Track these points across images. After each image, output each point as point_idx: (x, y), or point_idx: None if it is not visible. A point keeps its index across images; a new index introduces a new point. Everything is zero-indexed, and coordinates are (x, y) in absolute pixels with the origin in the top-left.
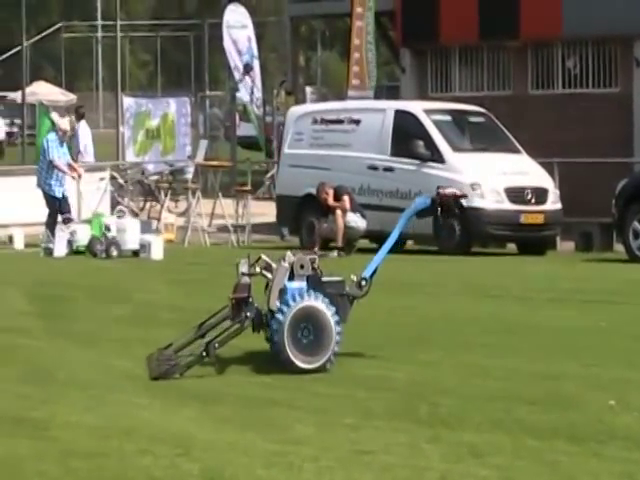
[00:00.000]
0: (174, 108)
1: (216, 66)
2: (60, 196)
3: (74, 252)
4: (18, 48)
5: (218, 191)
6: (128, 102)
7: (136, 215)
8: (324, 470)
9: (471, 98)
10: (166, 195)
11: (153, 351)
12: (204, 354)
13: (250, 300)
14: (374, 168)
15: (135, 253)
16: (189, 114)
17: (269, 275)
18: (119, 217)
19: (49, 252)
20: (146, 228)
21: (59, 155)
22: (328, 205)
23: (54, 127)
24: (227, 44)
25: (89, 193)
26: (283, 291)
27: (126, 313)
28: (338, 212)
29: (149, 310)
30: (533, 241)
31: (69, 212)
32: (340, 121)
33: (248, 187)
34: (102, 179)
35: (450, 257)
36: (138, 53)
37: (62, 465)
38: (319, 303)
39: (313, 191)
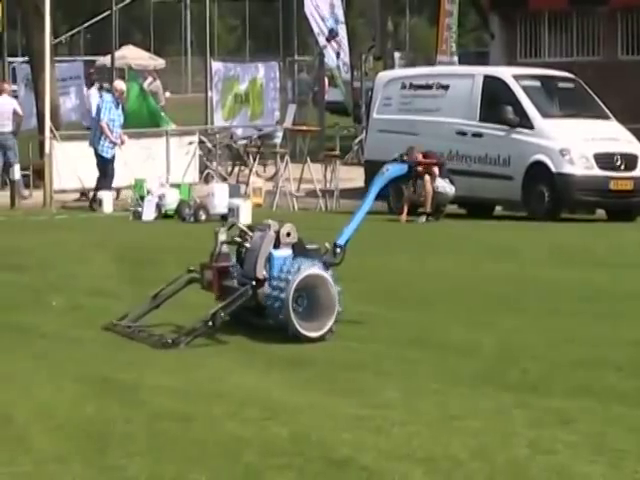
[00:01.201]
0: (263, 73)
1: (304, 31)
2: (110, 157)
3: (163, 216)
4: (107, 13)
5: (306, 156)
6: (217, 67)
7: (224, 179)
8: (412, 435)
9: (560, 64)
10: (254, 159)
11: (107, 322)
12: (210, 323)
13: (231, 269)
14: (463, 133)
15: (223, 217)
16: (278, 79)
17: (247, 244)
18: (207, 181)
19: (138, 216)
20: (234, 192)
21: (110, 117)
22: (417, 171)
23: (143, 91)
24: (309, 9)
25: (178, 157)
26: (269, 259)
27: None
28: (427, 177)
29: None
30: (622, 207)
31: (112, 176)
32: (429, 86)
33: (336, 152)
34: (191, 143)
35: (539, 223)
36: (227, 18)
37: (150, 428)
38: (321, 271)
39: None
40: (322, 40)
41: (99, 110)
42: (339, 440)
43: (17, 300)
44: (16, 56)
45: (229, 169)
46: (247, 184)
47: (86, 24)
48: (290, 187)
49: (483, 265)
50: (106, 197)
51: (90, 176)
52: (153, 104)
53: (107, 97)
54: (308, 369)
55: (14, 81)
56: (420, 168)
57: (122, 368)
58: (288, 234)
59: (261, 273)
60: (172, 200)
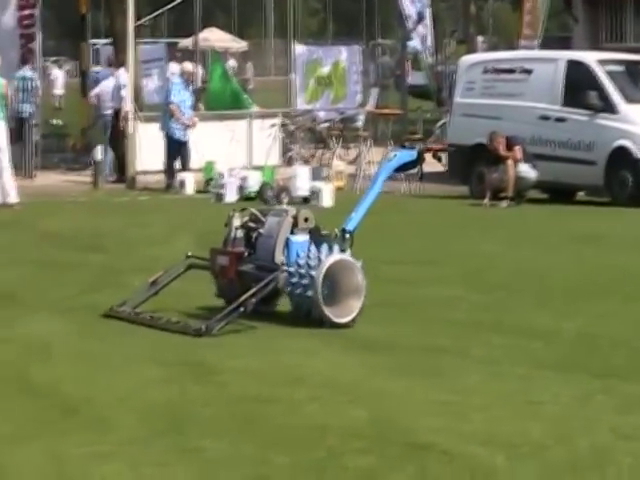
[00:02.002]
0: (345, 56)
1: (387, 14)
2: (183, 139)
3: (245, 198)
4: None
5: (389, 139)
6: (299, 50)
7: (307, 162)
8: (493, 420)
9: None
10: (337, 142)
11: (106, 309)
12: (242, 309)
13: (245, 255)
14: (546, 118)
15: (305, 200)
16: (360, 62)
17: (261, 229)
18: (290, 164)
19: (220, 198)
20: (316, 175)
21: (180, 99)
22: (499, 155)
23: (226, 73)
24: None
25: (260, 140)
26: (287, 245)
27: None
28: (509, 162)
29: None
30: None
31: (188, 158)
32: (512, 70)
33: (419, 135)
34: (273, 126)
35: (622, 209)
36: (309, 1)
37: (230, 410)
38: (348, 257)
39: (484, 140)
40: (411, 23)
41: (168, 92)
42: (420, 424)
43: (99, 281)
44: (99, 38)
45: (311, 152)
46: (329, 167)
47: (169, 6)
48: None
49: (566, 250)
50: (188, 178)
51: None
52: (236, 86)
53: (176, 79)
54: (389, 353)
55: (97, 63)
56: (430, 153)
57: (202, 350)
58: (306, 219)
59: (280, 258)
60: (254, 182)
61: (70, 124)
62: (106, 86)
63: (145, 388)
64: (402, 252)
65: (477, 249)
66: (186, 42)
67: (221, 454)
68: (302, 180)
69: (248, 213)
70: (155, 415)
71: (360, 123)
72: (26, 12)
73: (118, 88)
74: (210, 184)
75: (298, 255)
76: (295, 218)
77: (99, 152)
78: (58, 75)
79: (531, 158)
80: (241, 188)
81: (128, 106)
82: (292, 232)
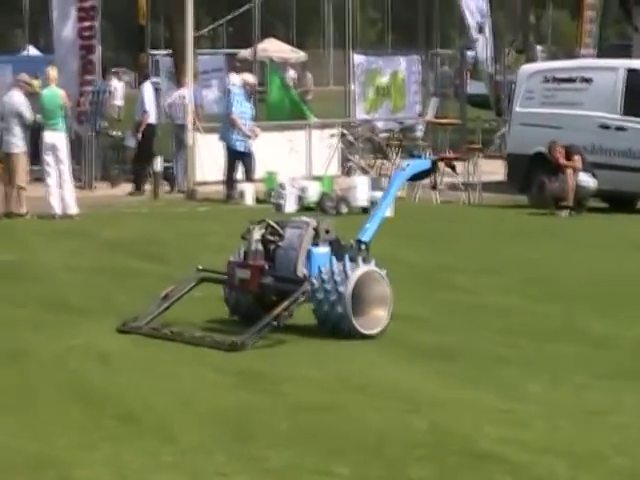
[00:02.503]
0: (404, 66)
1: (446, 24)
2: (243, 150)
3: (304, 208)
4: (249, 5)
5: (448, 149)
6: (358, 59)
7: (366, 172)
8: (554, 428)
9: None
10: (396, 152)
11: (119, 323)
12: (275, 323)
13: (266, 268)
14: (606, 127)
15: (365, 210)
16: (419, 72)
17: (280, 242)
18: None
19: (279, 208)
20: (376, 185)
21: (241, 110)
22: (559, 164)
23: (285, 83)
24: (464, 2)
25: (319, 150)
26: (309, 257)
27: None
28: (569, 171)
29: (380, 266)
30: None
31: (252, 168)
32: (572, 79)
33: (478, 145)
34: (332, 136)
35: None
36: (367, 11)
37: (291, 419)
38: (375, 268)
39: (544, 150)
40: (474, 33)
41: (229, 103)
42: (480, 433)
43: (157, 290)
44: (159, 49)
45: (371, 162)
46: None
47: (228, 17)
48: (432, 180)
49: (626, 259)
50: (248, 189)
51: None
52: (295, 96)
53: (237, 90)
54: (451, 362)
55: (157, 74)
56: (443, 163)
57: (263, 359)
58: (327, 231)
59: (302, 271)
60: (314, 192)
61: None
62: (178, 97)
63: (206, 397)
64: (463, 261)
65: (538, 258)
66: (245, 53)
67: (282, 464)
68: (361, 190)
69: (265, 225)
70: (216, 425)
71: (419, 133)
72: (86, 24)
73: (142, 102)
74: (271, 194)
75: (320, 269)
76: (316, 230)
77: (158, 163)
78: (117, 86)
79: (590, 167)
80: (300, 198)
81: (189, 117)
82: (313, 244)
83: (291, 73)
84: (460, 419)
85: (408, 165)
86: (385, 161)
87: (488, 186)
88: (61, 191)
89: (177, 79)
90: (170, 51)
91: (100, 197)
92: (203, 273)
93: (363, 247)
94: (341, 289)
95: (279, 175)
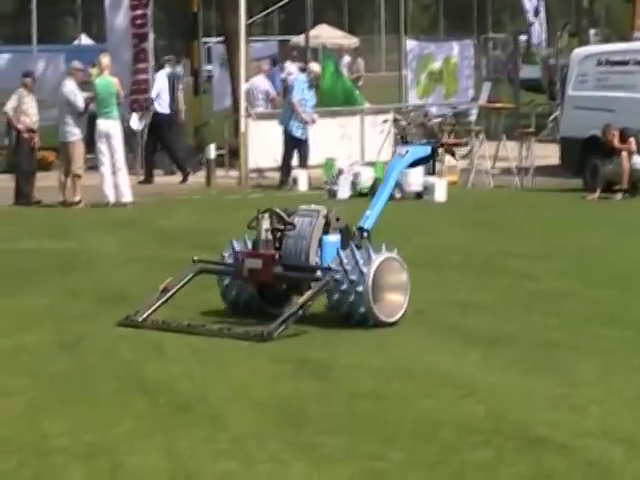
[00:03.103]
0: (457, 51)
1: (498, 8)
2: (300, 137)
3: (357, 194)
4: None
5: (501, 133)
6: (411, 45)
7: None
8: (610, 413)
9: None
10: (449, 137)
11: (121, 318)
12: (300, 313)
13: (277, 257)
14: None
15: (418, 195)
16: (472, 57)
17: (289, 231)
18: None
19: (333, 194)
20: (429, 170)
21: (303, 97)
22: (614, 147)
23: (337, 70)
24: None
25: (372, 136)
26: (320, 245)
27: (410, 255)
28: (624, 154)
29: (434, 252)
30: None
31: (307, 155)
32: (625, 62)
33: (531, 129)
34: (385, 122)
35: None
36: None
37: (346, 406)
38: (395, 254)
39: (598, 133)
40: (530, 17)
41: (292, 88)
42: (536, 418)
43: (210, 279)
44: (211, 36)
45: None
46: (442, 162)
47: (280, 4)
48: (485, 165)
49: None
50: (301, 175)
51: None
52: (348, 83)
53: (302, 77)
54: (505, 347)
55: (209, 61)
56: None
57: (317, 347)
58: (338, 219)
59: (314, 260)
60: (367, 178)
61: (183, 123)
62: (258, 83)
63: (261, 385)
64: (519, 246)
65: (592, 242)
66: (297, 39)
67: (336, 450)
68: (415, 175)
69: (272, 214)
70: (270, 411)
71: (472, 118)
72: (139, 12)
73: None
74: (326, 181)
75: (340, 257)
76: (327, 218)
77: (212, 150)
78: None
79: None
80: (354, 184)
81: (241, 104)
82: (324, 232)
83: (346, 59)
84: (515, 404)
85: (407, 151)
86: None
87: (541, 170)
88: (115, 179)
89: (230, 67)
90: (222, 38)
91: (153, 185)
92: (201, 264)
93: (365, 235)
94: (364, 269)
95: (337, 161)
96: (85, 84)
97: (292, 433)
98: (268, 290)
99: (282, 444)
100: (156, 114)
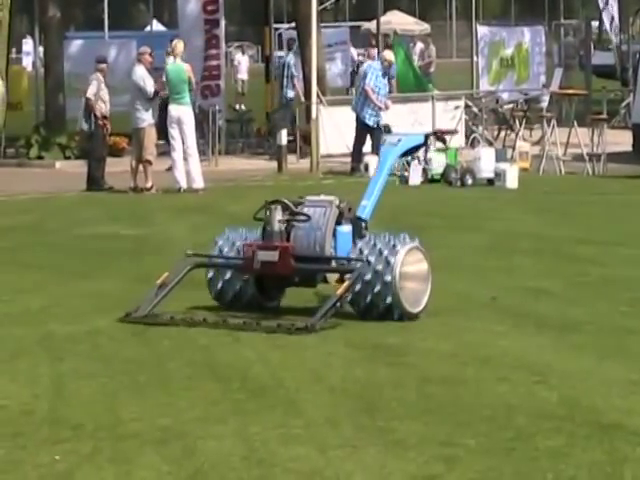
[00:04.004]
0: (528, 37)
1: None
2: (372, 125)
3: (429, 180)
4: None
5: (573, 119)
6: (482, 31)
7: (491, 144)
8: None
9: None
10: (521, 124)
11: (123, 314)
12: (338, 305)
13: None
14: None
15: (490, 181)
16: (543, 43)
17: (299, 222)
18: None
19: (404, 180)
20: (501, 156)
21: (376, 84)
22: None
23: (407, 56)
24: None
25: (443, 122)
26: (335, 236)
27: (482, 241)
28: None
29: (506, 238)
30: None
31: (380, 142)
32: None
33: (603, 116)
34: (457, 108)
35: None
36: None
37: (419, 391)
38: (419, 245)
39: None
40: (601, 3)
41: (365, 75)
42: (610, 405)
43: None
44: (282, 22)
45: (495, 133)
46: (513, 148)
47: None
48: (557, 151)
49: None
50: (372, 161)
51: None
52: (417, 69)
53: (375, 64)
54: (577, 333)
55: (280, 47)
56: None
57: (391, 332)
58: (350, 209)
59: (329, 251)
60: (438, 164)
61: (254, 109)
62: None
63: (335, 371)
64: (589, 232)
65: None
66: (368, 26)
67: (410, 435)
68: (486, 162)
69: (280, 204)
70: (344, 397)
71: (544, 104)
72: None
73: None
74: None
75: (361, 248)
76: (339, 208)
77: (283, 137)
78: (241, 60)
79: None
80: (425, 171)
81: (313, 90)
82: (337, 223)
83: (419, 45)
84: (590, 390)
85: (399, 140)
86: (510, 132)
87: (613, 157)
88: (186, 165)
89: (301, 53)
90: (293, 24)
91: (224, 171)
92: (195, 258)
93: (363, 224)
94: (391, 260)
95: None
96: (156, 70)
97: (365, 418)
98: (269, 284)
99: (355, 430)
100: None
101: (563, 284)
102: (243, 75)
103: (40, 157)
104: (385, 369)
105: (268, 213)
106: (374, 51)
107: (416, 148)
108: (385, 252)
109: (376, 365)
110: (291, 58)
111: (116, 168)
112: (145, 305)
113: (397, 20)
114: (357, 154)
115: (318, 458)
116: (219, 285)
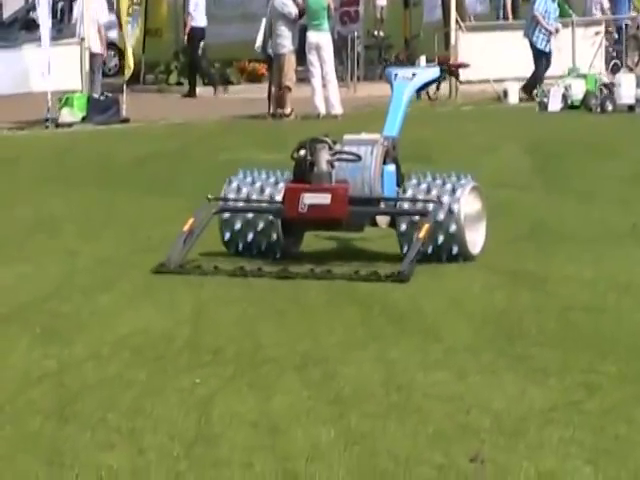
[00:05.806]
0: None
1: None
2: (544, 49)
3: (569, 107)
4: None
5: None
6: None
7: (631, 70)
8: None
9: None
10: None
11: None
12: (422, 249)
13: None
14: None
15: (630, 108)
16: None
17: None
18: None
19: (544, 107)
20: None
21: (545, 8)
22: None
23: None
24: None
25: (583, 48)
26: (383, 176)
27: (623, 169)
28: None
29: None
30: None
31: (548, 67)
32: None
33: None
34: (597, 33)
35: None
36: None
37: (561, 319)
38: (475, 182)
39: None
40: None
41: (534, 1)
42: None
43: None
44: None
45: (635, 59)
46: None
47: None
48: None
49: None
50: (512, 88)
51: (495, 67)
52: None
53: None
54: None
55: None
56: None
57: (531, 258)
58: (394, 147)
59: (378, 191)
60: (578, 91)
61: (393, 36)
62: None
63: (474, 297)
64: None
65: None
66: None
67: (550, 363)
68: (627, 88)
69: (322, 143)
70: (484, 323)
71: None
72: None
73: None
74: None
75: (419, 187)
76: (384, 146)
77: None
78: None
79: None
80: (565, 97)
81: (452, 16)
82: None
83: None
84: None
85: (414, 75)
86: None
87: None
88: (325, 91)
89: None
90: None
91: (363, 97)
92: (219, 202)
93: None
94: (453, 215)
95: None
96: None
97: (505, 345)
98: (296, 230)
99: (495, 356)
100: (194, 29)
101: None
102: (382, 1)
103: (179, 83)
104: (525, 295)
105: (307, 152)
106: None
107: (432, 81)
108: (444, 198)
109: (516, 292)
110: None
111: (255, 94)
112: (174, 254)
113: None
114: (533, 80)
115: (458, 383)
116: (236, 227)
